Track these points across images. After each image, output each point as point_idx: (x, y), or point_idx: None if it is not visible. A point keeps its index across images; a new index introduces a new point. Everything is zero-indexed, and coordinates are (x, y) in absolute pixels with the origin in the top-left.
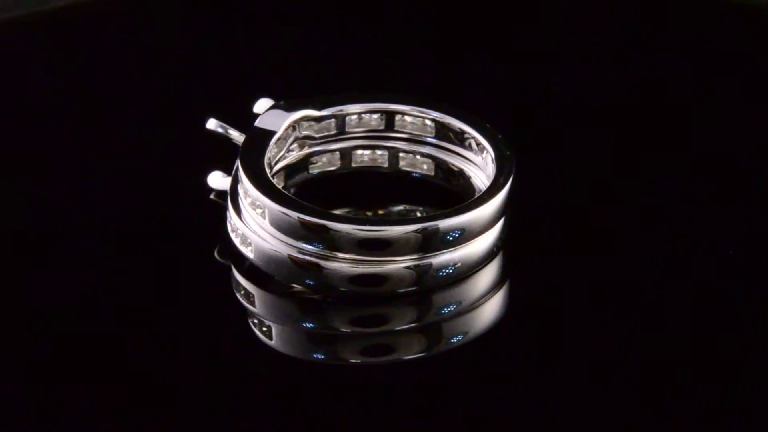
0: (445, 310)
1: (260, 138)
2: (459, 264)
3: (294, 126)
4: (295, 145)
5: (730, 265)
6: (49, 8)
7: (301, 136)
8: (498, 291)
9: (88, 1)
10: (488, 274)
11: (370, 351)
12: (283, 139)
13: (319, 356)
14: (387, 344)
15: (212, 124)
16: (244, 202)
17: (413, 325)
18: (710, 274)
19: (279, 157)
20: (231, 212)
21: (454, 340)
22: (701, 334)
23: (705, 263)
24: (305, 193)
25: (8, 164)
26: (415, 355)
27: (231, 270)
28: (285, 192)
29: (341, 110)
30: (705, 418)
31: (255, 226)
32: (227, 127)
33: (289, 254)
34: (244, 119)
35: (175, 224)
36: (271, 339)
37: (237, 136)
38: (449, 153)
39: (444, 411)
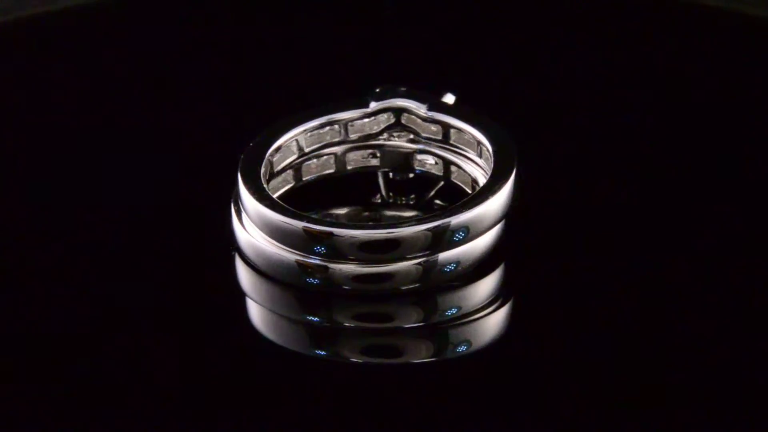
0: (449, 313)
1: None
2: (463, 260)
3: (397, 113)
4: (402, 134)
5: (736, 268)
6: (54, 9)
7: (403, 126)
8: (501, 293)
9: (91, 2)
10: (491, 273)
11: (370, 348)
12: (382, 120)
13: (319, 352)
14: (387, 343)
15: (449, 98)
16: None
17: (416, 325)
18: (715, 277)
19: (369, 133)
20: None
21: (458, 344)
22: (707, 338)
23: (709, 265)
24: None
25: (9, 164)
26: (416, 357)
27: (232, 267)
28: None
29: (443, 119)
30: None
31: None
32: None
33: (294, 259)
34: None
35: (177, 224)
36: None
37: (451, 101)
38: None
39: (443, 412)
